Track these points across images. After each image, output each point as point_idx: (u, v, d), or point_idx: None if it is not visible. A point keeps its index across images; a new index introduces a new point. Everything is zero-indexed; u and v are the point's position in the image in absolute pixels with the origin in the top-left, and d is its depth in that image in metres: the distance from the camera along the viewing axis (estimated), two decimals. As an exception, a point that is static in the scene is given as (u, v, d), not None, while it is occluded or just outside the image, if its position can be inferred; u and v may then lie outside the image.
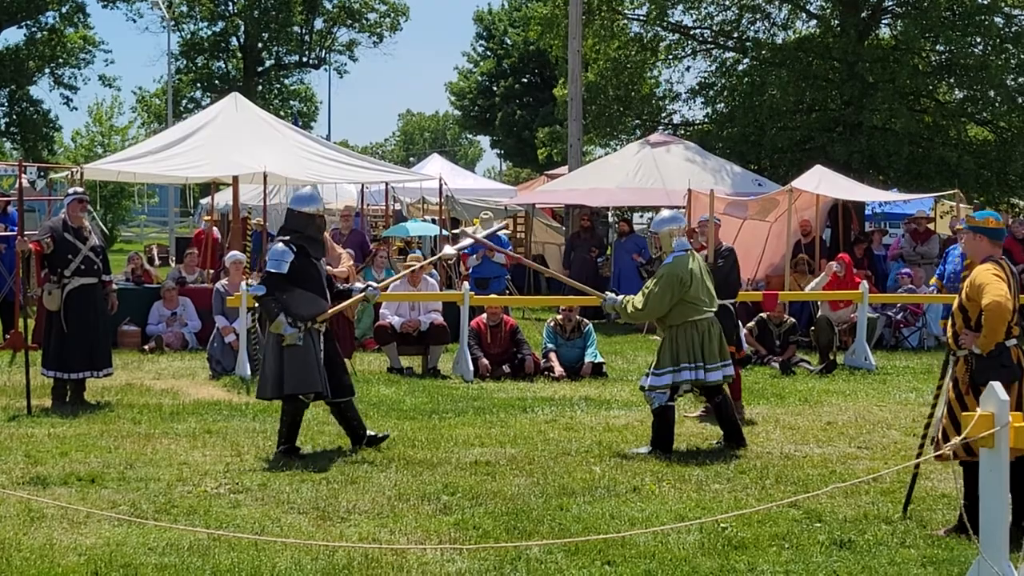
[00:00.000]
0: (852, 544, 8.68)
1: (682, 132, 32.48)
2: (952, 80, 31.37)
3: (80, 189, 15.12)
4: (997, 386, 6.62)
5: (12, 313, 19.62)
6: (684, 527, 8.90)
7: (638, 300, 12.30)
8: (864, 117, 28.81)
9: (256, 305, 17.13)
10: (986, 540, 6.50)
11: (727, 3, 32.50)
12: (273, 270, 11.72)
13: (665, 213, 12.71)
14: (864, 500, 9.98)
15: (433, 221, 28.73)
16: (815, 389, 16.07)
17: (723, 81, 32.82)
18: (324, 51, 70.63)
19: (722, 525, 8.98)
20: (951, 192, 24.54)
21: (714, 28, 33.14)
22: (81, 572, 7.78)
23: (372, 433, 12.07)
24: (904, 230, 26.38)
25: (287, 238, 11.86)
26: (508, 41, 69.77)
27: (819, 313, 19.41)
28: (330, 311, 11.99)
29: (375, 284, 13.00)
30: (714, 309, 12.23)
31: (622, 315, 12.64)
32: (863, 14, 30.61)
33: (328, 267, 16.99)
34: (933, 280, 20.35)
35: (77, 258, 14.22)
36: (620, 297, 12.66)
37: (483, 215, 24.73)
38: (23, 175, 21.20)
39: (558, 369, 17.15)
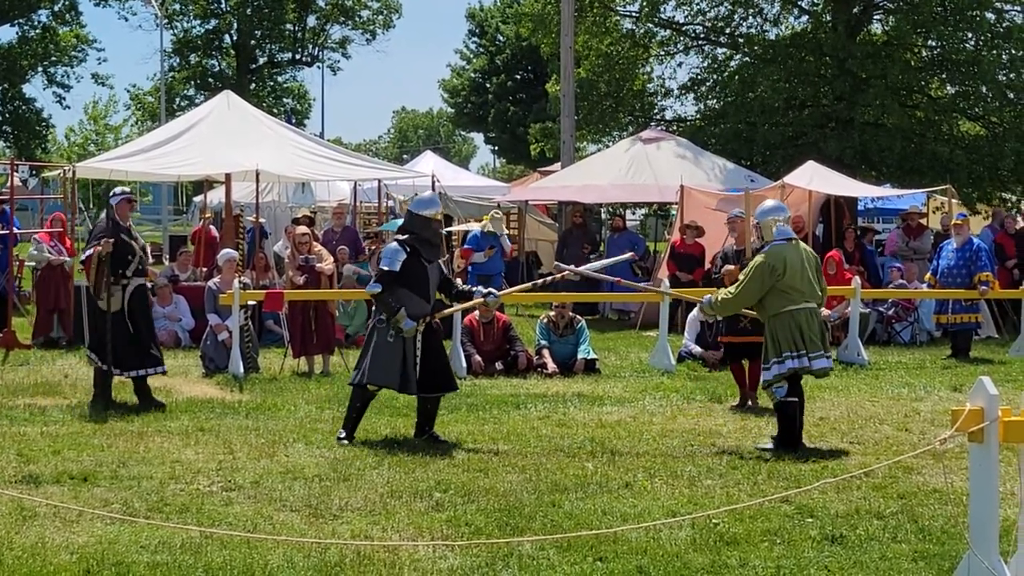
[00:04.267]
0: (843, 539, 8.70)
1: (674, 128, 32.45)
2: (944, 75, 31.35)
3: (127, 189, 15.12)
4: (986, 380, 6.63)
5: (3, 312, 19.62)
6: (676, 523, 8.91)
7: (732, 288, 12.34)
8: (856, 113, 28.80)
9: (249, 302, 17.25)
10: (976, 535, 6.52)
11: (719, -1, 32.53)
12: (386, 268, 12.23)
13: (768, 203, 12.69)
14: (856, 495, 9.99)
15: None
16: (807, 384, 15.97)
17: (715, 77, 32.80)
18: (317, 48, 70.56)
19: (714, 521, 8.99)
20: (943, 187, 24.57)
21: (706, 24, 33.13)
22: (73, 571, 7.78)
23: (436, 433, 12.40)
24: (897, 225, 26.42)
25: (403, 238, 12.37)
26: (501, 37, 69.75)
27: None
28: (447, 311, 13.11)
29: (496, 292, 13.52)
30: (814, 301, 12.08)
31: (718, 310, 12.66)
32: (855, 10, 30.60)
33: (318, 265, 17.13)
34: (927, 276, 20.37)
35: (135, 258, 14.27)
36: (711, 296, 12.66)
37: (494, 214, 24.71)
38: (15, 173, 21.21)
39: (551, 366, 17.17)
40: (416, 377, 12.19)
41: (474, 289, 13.24)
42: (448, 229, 29.04)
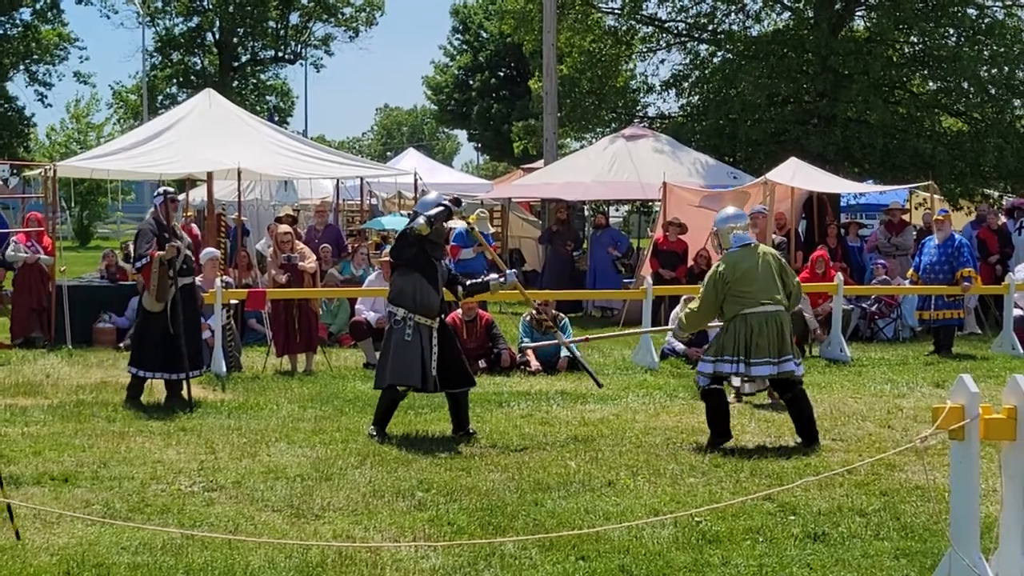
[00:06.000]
0: (826, 537, 8.70)
1: (657, 125, 32.47)
2: (926, 72, 31.40)
3: (171, 188, 15.10)
4: (967, 378, 6.64)
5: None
6: (658, 521, 8.91)
7: (694, 302, 12.46)
8: (838, 109, 28.83)
9: (231, 301, 17.20)
10: (957, 532, 6.53)
11: (702, -5, 32.55)
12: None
13: (728, 210, 12.78)
14: (838, 492, 9.99)
15: (409, 215, 28.68)
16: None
17: (697, 74, 32.81)
18: (300, 46, 70.56)
19: (696, 519, 8.98)
20: (925, 183, 24.61)
21: (688, 20, 33.13)
22: (53, 572, 7.75)
23: (472, 429, 12.58)
24: (879, 222, 26.46)
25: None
26: (484, 34, 69.73)
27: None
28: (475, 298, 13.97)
29: (511, 271, 13.75)
30: (774, 304, 12.03)
31: (687, 329, 12.78)
32: (837, 6, 30.62)
33: (298, 263, 17.11)
34: (910, 272, 20.41)
35: (180, 258, 14.25)
36: (679, 317, 12.79)
37: (479, 213, 24.69)
38: (-4, 173, 21.15)
39: (534, 363, 17.16)
40: (433, 375, 12.33)
41: (488, 278, 13.54)
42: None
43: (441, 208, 12.43)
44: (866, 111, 28.83)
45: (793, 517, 9.24)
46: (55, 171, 21.31)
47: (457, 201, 12.86)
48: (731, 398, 14.60)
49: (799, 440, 12.13)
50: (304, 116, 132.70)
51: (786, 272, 12.39)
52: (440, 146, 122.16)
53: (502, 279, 13.32)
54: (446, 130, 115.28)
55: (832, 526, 8.97)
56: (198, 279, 17.62)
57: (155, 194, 14.78)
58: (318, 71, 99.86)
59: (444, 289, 12.78)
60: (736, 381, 12.45)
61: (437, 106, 76.84)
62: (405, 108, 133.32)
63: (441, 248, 12.79)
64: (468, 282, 13.25)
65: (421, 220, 12.26)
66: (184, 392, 14.22)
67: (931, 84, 31.99)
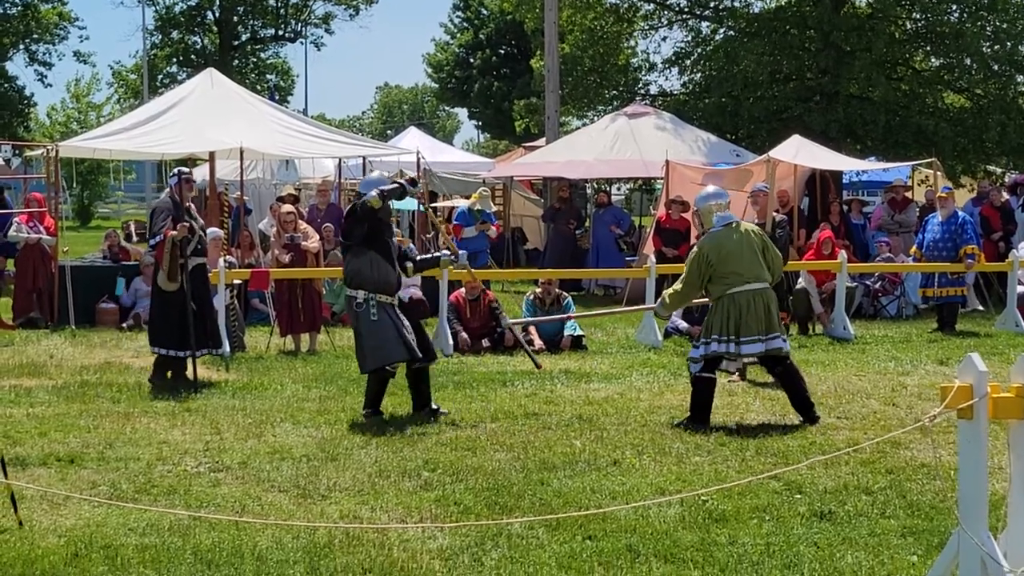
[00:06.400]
0: (832, 515, 8.69)
1: (659, 103, 32.38)
2: (928, 48, 31.31)
3: (186, 169, 15.12)
4: (975, 357, 6.62)
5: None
6: (665, 501, 8.91)
7: (678, 283, 12.48)
8: (841, 86, 28.75)
9: (235, 281, 17.20)
10: (965, 511, 6.50)
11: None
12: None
13: (709, 189, 12.82)
14: (844, 471, 9.98)
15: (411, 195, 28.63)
16: (794, 359, 16.03)
17: (699, 51, 32.71)
18: (300, 24, 70.41)
19: (703, 498, 8.98)
20: (928, 160, 24.56)
21: (690, -3, 33.09)
22: (61, 554, 7.74)
23: (436, 406, 12.55)
24: (882, 199, 26.41)
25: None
26: (485, 12, 69.57)
27: (798, 284, 19.36)
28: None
29: (462, 252, 13.77)
30: (759, 282, 12.07)
31: (670, 308, 12.84)
32: (839, -18, 30.55)
33: (301, 243, 17.10)
34: (913, 250, 20.39)
35: (194, 238, 14.30)
36: (660, 297, 12.81)
37: (481, 191, 24.67)
38: (-2, 153, 21.13)
39: (538, 342, 17.15)
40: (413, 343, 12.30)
41: (439, 254, 13.62)
42: (433, 205, 29.02)
43: (395, 185, 12.36)
44: (869, 88, 28.77)
45: (799, 496, 9.24)
46: (57, 151, 21.29)
47: (413, 181, 12.78)
48: (735, 376, 14.66)
49: (801, 418, 12.12)
50: (304, 95, 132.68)
51: (768, 248, 12.41)
52: (440, 124, 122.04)
53: (453, 258, 13.28)
54: (446, 108, 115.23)
55: (838, 504, 8.97)
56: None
57: (171, 174, 14.80)
58: (318, 50, 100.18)
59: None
60: (723, 364, 12.45)
61: (438, 84, 76.77)
62: (406, 86, 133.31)
63: (390, 227, 12.67)
64: (418, 258, 13.20)
65: (374, 193, 12.12)
66: (189, 372, 14.24)
67: (934, 60, 31.89)
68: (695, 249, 12.31)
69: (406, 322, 12.32)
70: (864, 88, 28.82)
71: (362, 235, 12.26)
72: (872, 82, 28.51)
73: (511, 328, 13.91)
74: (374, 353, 12.18)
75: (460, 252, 13.71)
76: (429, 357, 12.65)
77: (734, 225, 12.28)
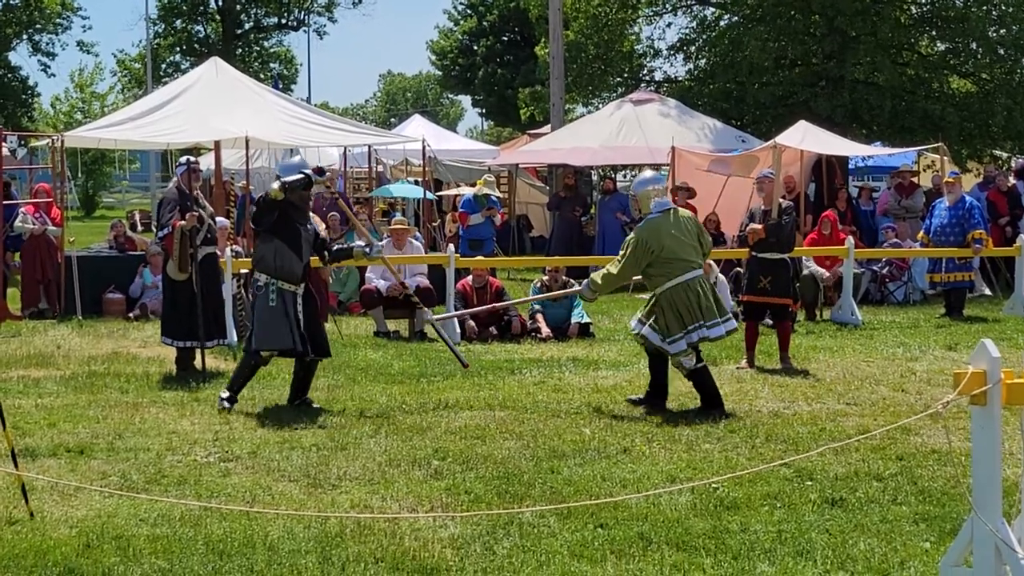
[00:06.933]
0: (844, 502, 8.69)
1: (664, 89, 32.33)
2: (934, 32, 31.22)
3: (192, 158, 15.09)
4: (988, 343, 6.60)
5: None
6: (676, 489, 8.89)
7: (612, 266, 12.42)
8: (846, 71, 28.71)
9: (242, 271, 17.17)
10: (979, 497, 6.49)
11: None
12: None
13: (646, 174, 12.80)
14: (854, 457, 9.97)
15: (416, 183, 28.66)
16: (802, 346, 16.05)
17: (704, 37, 32.66)
18: (303, 13, 70.32)
19: (714, 485, 8.97)
20: (934, 145, 24.51)
21: (695, -17, 33.02)
22: (73, 544, 7.74)
23: (310, 399, 12.45)
24: (888, 184, 26.37)
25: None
26: (489, -2, 69.48)
27: (805, 270, 19.32)
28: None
29: (378, 243, 13.71)
30: (698, 268, 12.17)
31: (602, 289, 12.66)
32: (843, -33, 30.47)
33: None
34: (920, 235, 20.36)
35: (204, 227, 14.29)
36: (588, 279, 12.68)
37: (486, 178, 24.65)
38: (3, 144, 21.09)
39: (545, 330, 17.13)
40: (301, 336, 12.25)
41: (353, 245, 13.50)
42: (439, 193, 29.01)
43: (300, 176, 12.25)
44: (874, 73, 28.74)
45: (810, 483, 9.22)
46: (63, 141, 21.27)
47: (320, 171, 12.63)
48: (743, 363, 14.65)
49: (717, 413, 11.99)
50: (308, 83, 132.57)
51: (703, 233, 12.53)
52: (444, 112, 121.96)
53: (367, 248, 13.18)
54: (450, 96, 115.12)
55: (849, 491, 8.96)
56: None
57: (178, 164, 14.78)
58: (321, 38, 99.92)
59: (314, 255, 12.75)
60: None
61: (441, 72, 76.64)
62: (409, 74, 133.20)
63: (304, 213, 12.56)
64: (334, 248, 13.18)
65: (275, 185, 12.16)
66: (198, 362, 14.24)
67: (939, 45, 31.79)
68: (633, 235, 12.27)
69: (300, 316, 12.25)
70: (869, 73, 28.78)
71: (270, 222, 12.23)
72: (877, 67, 28.48)
73: (433, 324, 13.81)
74: (261, 335, 12.17)
75: (375, 243, 13.67)
76: (321, 352, 12.55)
77: (671, 211, 12.29)
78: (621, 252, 12.33)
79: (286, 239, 12.20)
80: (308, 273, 12.56)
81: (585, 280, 12.96)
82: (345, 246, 13.71)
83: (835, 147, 24.60)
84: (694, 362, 12.09)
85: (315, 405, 12.31)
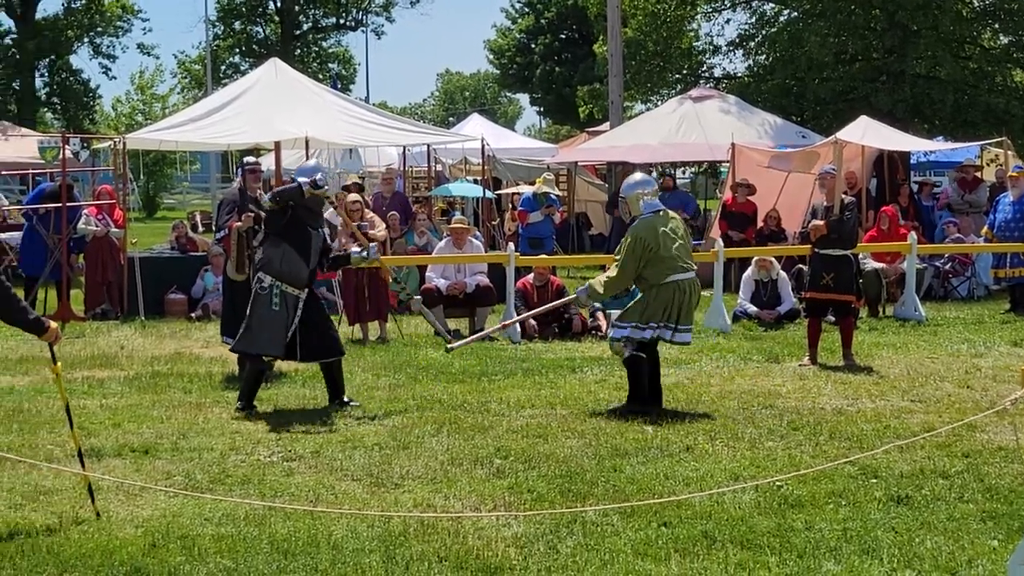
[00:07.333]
0: (909, 500, 8.61)
1: (723, 86, 32.23)
2: (997, 25, 30.97)
3: (253, 159, 15.15)
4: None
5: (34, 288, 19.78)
6: (739, 487, 8.85)
7: (612, 270, 12.35)
8: (907, 65, 28.52)
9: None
10: (1048, 495, 6.45)
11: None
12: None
13: (636, 176, 12.72)
14: (920, 454, 9.89)
15: (475, 182, 28.68)
16: (865, 342, 15.94)
17: (763, 33, 32.53)
18: (361, 13, 70.57)
19: (778, 484, 8.91)
20: (998, 140, 24.27)
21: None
22: (139, 544, 7.78)
23: (348, 399, 12.41)
24: (951, 179, 26.15)
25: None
26: (547, -4, 69.45)
27: (867, 266, 19.17)
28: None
29: (373, 247, 13.76)
30: (691, 272, 12.05)
31: (606, 293, 12.49)
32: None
33: (370, 232, 17.06)
34: (984, 230, 20.18)
35: (263, 228, 14.37)
36: (587, 283, 12.58)
37: (545, 176, 24.62)
38: (67, 146, 21.27)
39: (605, 328, 17.08)
40: (296, 343, 12.23)
41: (351, 251, 13.49)
42: (498, 192, 29.01)
43: (292, 186, 12.28)
44: (935, 67, 28.54)
45: (875, 480, 9.16)
46: (125, 143, 21.42)
47: (316, 184, 12.47)
48: (805, 360, 14.57)
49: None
50: (366, 83, 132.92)
51: (687, 235, 12.42)
52: (502, 111, 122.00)
53: (364, 253, 13.20)
54: (508, 94, 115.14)
55: (915, 489, 8.88)
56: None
57: (238, 165, 14.83)
58: (379, 38, 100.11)
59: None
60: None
61: (499, 70, 76.68)
62: (467, 73, 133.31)
63: (318, 217, 12.56)
64: (331, 255, 13.04)
65: (266, 197, 12.41)
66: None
67: (1002, 38, 31.54)
68: (629, 237, 12.09)
69: (298, 320, 12.20)
70: (931, 67, 28.59)
71: (279, 226, 12.25)
72: (939, 61, 28.28)
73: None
74: (257, 338, 12.13)
75: (371, 246, 13.68)
76: (333, 353, 12.48)
77: (661, 212, 12.18)
78: (618, 256, 12.20)
79: (295, 243, 12.21)
80: (314, 277, 12.58)
81: (581, 286, 12.82)
82: (343, 252, 13.68)
83: (896, 142, 24.39)
84: (632, 350, 11.97)
85: (353, 403, 12.31)
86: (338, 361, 12.52)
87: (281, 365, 14.54)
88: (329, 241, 13.15)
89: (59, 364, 8.75)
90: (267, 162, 27.27)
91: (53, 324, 8.49)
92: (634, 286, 12.53)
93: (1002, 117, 27.89)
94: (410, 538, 7.87)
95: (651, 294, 11.95)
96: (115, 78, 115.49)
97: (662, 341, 12.10)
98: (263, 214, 13.86)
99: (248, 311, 12.36)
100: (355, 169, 30.48)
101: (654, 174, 32.35)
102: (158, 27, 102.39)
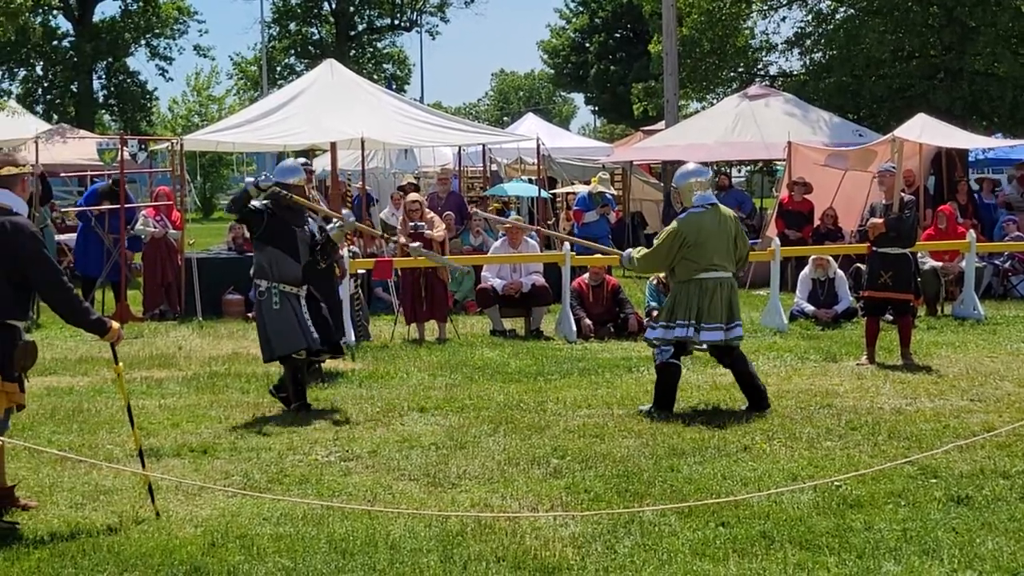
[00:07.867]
0: (970, 500, 8.55)
1: (779, 84, 32.09)
2: (1056, 22, 30.67)
3: (306, 160, 15.18)
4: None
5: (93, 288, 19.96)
6: (798, 487, 8.81)
7: (648, 251, 12.34)
8: (966, 63, 28.29)
9: (359, 271, 17.27)
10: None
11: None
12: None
13: (689, 166, 12.54)
14: (980, 455, 9.81)
15: (531, 181, 28.68)
16: (923, 341, 15.82)
17: (819, 30, 32.36)
18: (415, 13, 70.76)
19: (836, 484, 8.87)
20: (1058, 137, 24.08)
21: (809, -24, 32.74)
22: (198, 543, 7.83)
23: (298, 404, 12.23)
24: (1010, 177, 25.93)
25: (267, 201, 12.26)
26: (601, -4, 69.36)
27: (926, 264, 19.03)
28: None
29: (347, 211, 14.09)
30: (725, 272, 11.90)
31: (632, 265, 12.55)
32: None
33: (426, 232, 17.08)
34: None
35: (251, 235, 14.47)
36: (632, 251, 12.68)
37: (601, 175, 24.59)
38: (125, 148, 21.42)
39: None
40: (313, 334, 12.25)
41: (328, 227, 13.12)
42: (553, 191, 28.99)
43: (242, 192, 12.26)
44: (994, 64, 28.28)
45: (935, 480, 9.09)
46: (182, 145, 21.56)
47: (257, 185, 12.20)
48: (863, 359, 14.49)
49: (745, 406, 11.90)
50: (420, 83, 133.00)
51: (741, 237, 12.18)
52: (557, 110, 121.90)
53: (339, 223, 12.92)
54: (562, 94, 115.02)
55: (976, 489, 8.81)
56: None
57: None
58: (433, 38, 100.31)
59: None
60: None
61: (553, 70, 76.62)
62: (521, 72, 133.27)
63: (298, 215, 12.44)
64: (319, 245, 12.77)
65: (224, 203, 12.32)
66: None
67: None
68: (673, 224, 12.00)
69: (307, 314, 12.24)
70: (989, 64, 28.33)
71: (260, 231, 12.25)
72: (998, 58, 28.01)
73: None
74: (278, 340, 12.10)
75: (344, 212, 13.67)
76: (334, 351, 12.60)
77: (715, 207, 12.00)
78: (657, 240, 12.22)
79: (281, 245, 12.18)
80: (310, 274, 12.54)
81: (629, 249, 13.04)
82: (326, 239, 13.20)
83: (955, 140, 24.21)
84: (667, 357, 11.88)
85: (313, 408, 12.20)
86: (321, 362, 12.69)
87: (337, 364, 14.63)
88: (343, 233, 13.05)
89: (121, 364, 8.82)
90: (323, 162, 27.44)
91: (115, 324, 8.55)
92: None
93: (1062, 114, 27.64)
94: (467, 538, 7.88)
95: (679, 290, 11.90)
96: (172, 80, 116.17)
97: (690, 342, 12.00)
98: (318, 216, 13.92)
99: (258, 323, 12.45)
100: (410, 169, 30.59)
101: (710, 172, 32.34)
102: (214, 29, 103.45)
